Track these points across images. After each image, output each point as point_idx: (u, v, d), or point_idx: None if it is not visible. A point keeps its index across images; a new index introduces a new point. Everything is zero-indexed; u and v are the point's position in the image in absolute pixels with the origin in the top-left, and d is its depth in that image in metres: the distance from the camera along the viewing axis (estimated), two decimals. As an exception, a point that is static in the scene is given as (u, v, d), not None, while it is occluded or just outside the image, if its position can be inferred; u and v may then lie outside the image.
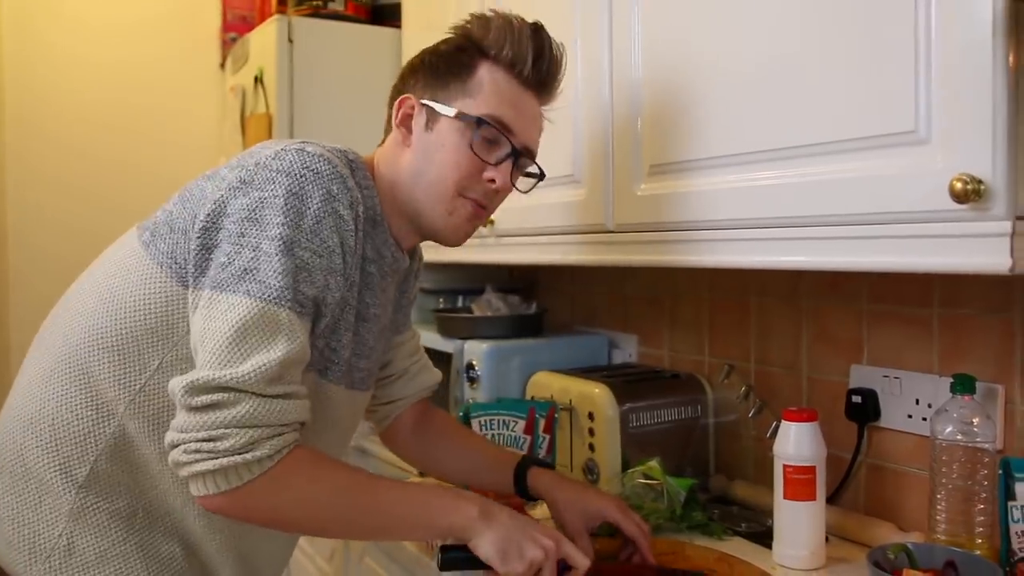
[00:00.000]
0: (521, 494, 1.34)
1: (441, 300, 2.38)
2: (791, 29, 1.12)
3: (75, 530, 1.06)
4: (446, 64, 1.19)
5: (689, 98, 1.28)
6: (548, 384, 1.78)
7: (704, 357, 1.83)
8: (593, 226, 1.50)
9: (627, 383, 1.71)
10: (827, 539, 1.33)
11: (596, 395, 1.65)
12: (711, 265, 1.26)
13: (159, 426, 1.05)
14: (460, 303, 2.35)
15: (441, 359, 1.98)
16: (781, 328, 1.65)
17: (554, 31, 1.22)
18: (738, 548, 1.38)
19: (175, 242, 1.06)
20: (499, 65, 1.18)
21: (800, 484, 1.29)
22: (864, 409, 1.46)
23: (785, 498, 1.30)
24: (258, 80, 2.50)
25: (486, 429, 1.64)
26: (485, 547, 1.05)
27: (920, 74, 0.95)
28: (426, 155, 1.18)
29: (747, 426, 1.71)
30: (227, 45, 3.11)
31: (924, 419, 1.37)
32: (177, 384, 0.95)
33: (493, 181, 1.19)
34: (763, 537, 1.42)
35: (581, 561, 1.09)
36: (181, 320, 1.05)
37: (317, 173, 1.04)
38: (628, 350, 2.06)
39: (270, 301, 0.98)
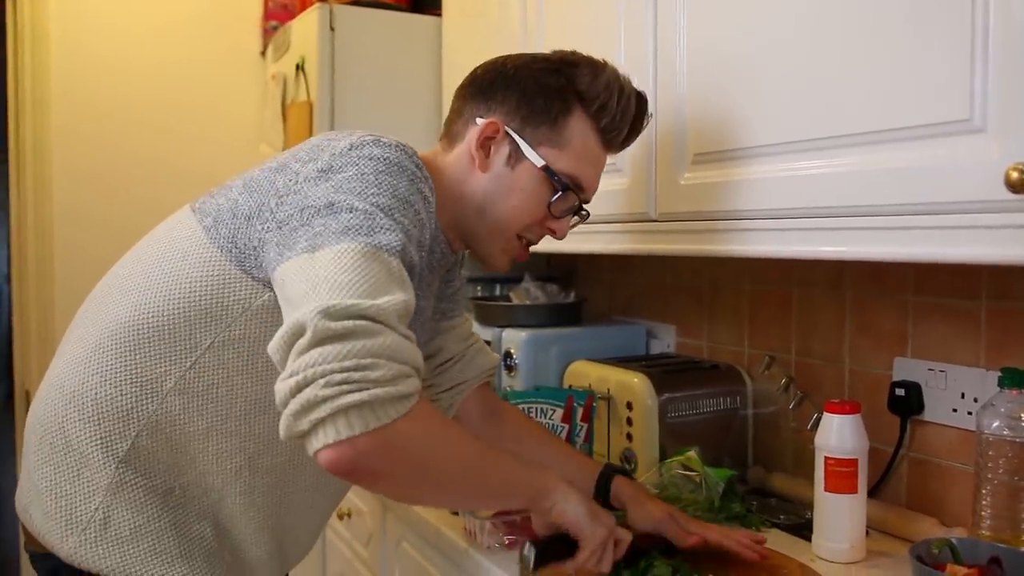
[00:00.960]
0: (601, 501, 1.33)
1: (479, 288, 2.38)
2: (840, 16, 1.10)
3: (112, 504, 1.06)
4: (543, 100, 1.17)
5: (735, 86, 1.27)
6: (586, 373, 1.78)
7: (744, 348, 1.82)
8: (636, 215, 1.49)
9: (666, 373, 1.70)
10: (867, 533, 1.32)
11: (635, 384, 1.64)
12: (755, 255, 1.25)
13: (206, 402, 1.06)
14: (498, 291, 2.35)
15: (479, 347, 1.98)
16: (824, 320, 1.63)
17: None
18: (776, 540, 1.37)
19: (237, 228, 1.05)
20: (593, 123, 1.19)
21: (841, 476, 1.28)
22: (908, 402, 1.44)
23: (826, 490, 1.29)
24: (299, 68, 2.51)
25: (524, 417, 1.64)
26: (574, 509, 1.10)
27: (976, 60, 0.93)
28: (499, 191, 1.18)
29: (787, 418, 1.70)
30: (268, 33, 3.12)
31: (969, 413, 1.36)
32: (306, 314, 0.86)
33: (555, 232, 1.23)
34: (802, 529, 1.41)
35: (624, 534, 1.15)
36: (235, 303, 1.05)
37: (398, 161, 1.03)
38: (666, 340, 2.05)
39: (380, 248, 0.93)
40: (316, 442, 0.85)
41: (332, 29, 2.38)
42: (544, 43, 1.73)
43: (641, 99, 1.23)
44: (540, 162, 1.16)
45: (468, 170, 1.19)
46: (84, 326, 1.14)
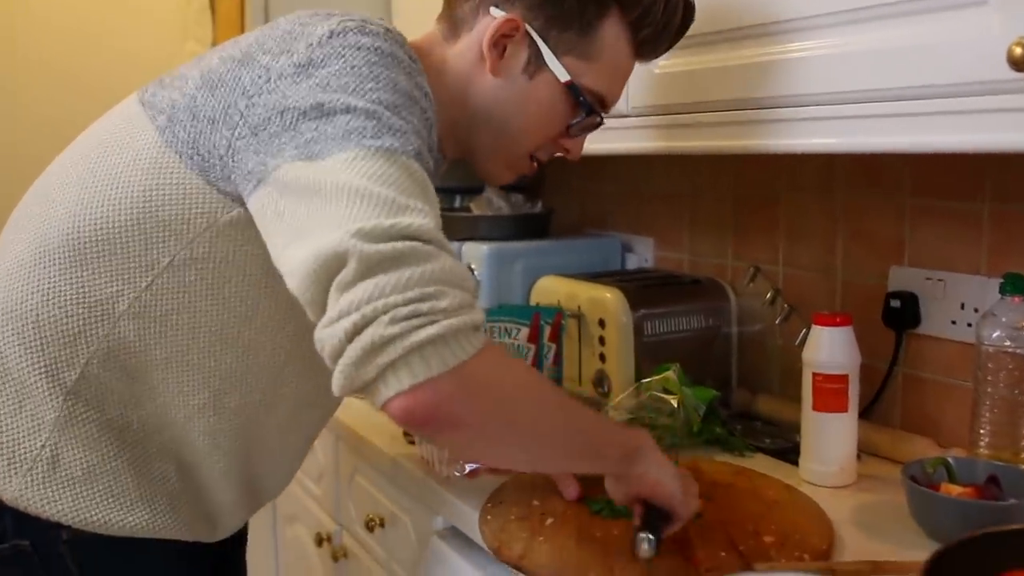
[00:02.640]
0: None
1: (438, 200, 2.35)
2: None
3: (60, 441, 1.01)
4: None
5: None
6: (554, 289, 1.78)
7: (727, 260, 1.83)
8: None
9: (642, 288, 1.70)
10: (858, 456, 1.34)
11: (608, 300, 1.64)
12: (736, 150, 1.25)
13: (165, 329, 1.00)
14: (457, 203, 2.32)
15: (437, 263, 1.98)
16: (813, 226, 1.63)
17: None
18: (761, 464, 1.40)
19: (198, 131, 0.98)
20: (629, 33, 1.12)
21: (831, 394, 1.29)
22: (903, 314, 1.45)
23: (814, 409, 1.31)
24: (229, -48, 2.44)
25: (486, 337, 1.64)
26: (669, 476, 1.04)
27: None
28: (512, 101, 1.12)
29: (773, 335, 1.71)
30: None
31: (969, 325, 1.37)
32: (342, 240, 0.78)
33: (568, 151, 1.18)
34: (789, 453, 1.43)
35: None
36: (197, 217, 0.98)
37: (393, 51, 0.95)
38: (644, 254, 2.06)
39: (395, 151, 0.86)
40: (387, 390, 0.78)
41: (265, -97, 2.31)
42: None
43: (688, 7, 1.17)
44: (565, 76, 1.10)
45: (475, 69, 1.11)
46: (15, 235, 1.07)
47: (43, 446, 1.01)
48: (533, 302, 1.83)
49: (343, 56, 0.93)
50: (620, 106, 1.42)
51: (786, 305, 1.66)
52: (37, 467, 1.01)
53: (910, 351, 1.47)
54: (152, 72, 1.18)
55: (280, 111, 0.91)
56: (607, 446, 1.02)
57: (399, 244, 0.78)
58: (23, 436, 1.01)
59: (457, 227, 2.05)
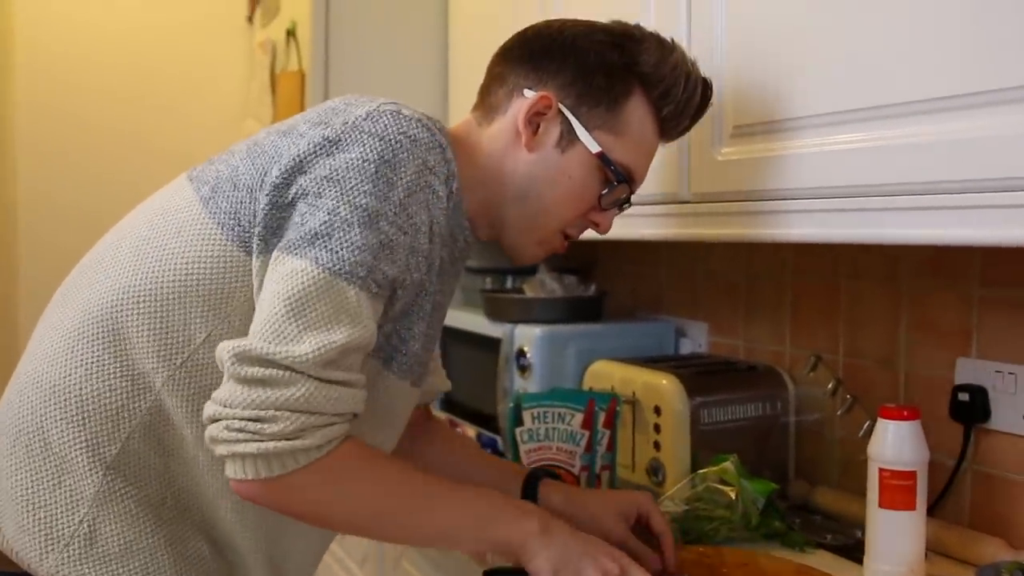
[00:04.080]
0: None
1: (488, 280, 2.36)
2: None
3: (99, 516, 1.02)
4: (604, 77, 1.14)
5: (779, 48, 1.25)
6: (609, 374, 1.76)
7: (785, 348, 1.80)
8: (666, 195, 1.47)
9: (698, 375, 1.68)
10: (926, 555, 1.30)
11: (663, 387, 1.62)
12: (800, 239, 1.23)
13: (197, 408, 1.02)
14: (509, 284, 2.33)
15: (488, 345, 1.97)
16: (876, 315, 1.60)
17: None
18: (823, 562, 1.35)
19: (239, 200, 1.04)
20: (653, 110, 1.18)
21: (899, 491, 1.25)
22: (972, 408, 1.41)
23: (881, 507, 1.27)
24: (290, 34, 2.49)
25: (539, 422, 1.62)
26: (538, 564, 1.04)
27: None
28: (546, 176, 1.15)
29: (834, 426, 1.67)
30: (255, -3, 3.12)
31: (1043, 421, 1.33)
32: (226, 349, 0.94)
33: (598, 225, 1.21)
34: (851, 551, 1.39)
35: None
36: (237, 289, 1.03)
37: (415, 140, 1.02)
38: (698, 339, 2.03)
39: (339, 274, 0.96)
40: (228, 472, 0.96)
41: (327, -10, 2.37)
42: (564, 7, 1.71)
43: (707, 87, 1.21)
44: (596, 148, 1.14)
45: (510, 148, 1.16)
46: (62, 311, 1.10)
47: (81, 521, 1.02)
48: (586, 386, 1.81)
49: (363, 144, 1.00)
50: (680, 192, 1.43)
51: (847, 396, 1.62)
52: (74, 543, 1.02)
53: (980, 447, 1.43)
54: (211, 145, 1.23)
55: (297, 173, 1.01)
56: (465, 535, 1.08)
57: (260, 370, 0.92)
58: (62, 511, 1.03)
59: (510, 309, 2.04)
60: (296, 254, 0.97)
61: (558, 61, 1.15)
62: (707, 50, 1.36)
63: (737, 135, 1.33)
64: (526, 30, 1.21)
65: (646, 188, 1.49)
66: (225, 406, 0.93)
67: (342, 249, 0.96)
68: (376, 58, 2.39)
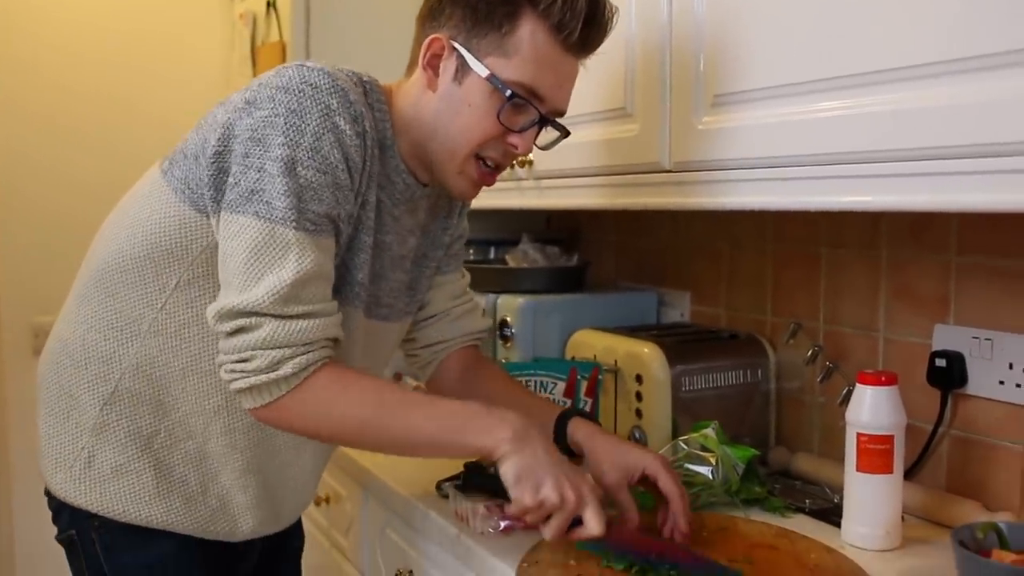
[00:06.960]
0: (560, 446, 1.34)
1: (471, 251, 2.36)
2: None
3: (96, 444, 1.24)
4: (487, 7, 1.19)
5: (758, 17, 1.25)
6: (591, 343, 1.77)
7: (766, 316, 1.81)
8: (647, 165, 1.47)
9: (679, 343, 1.69)
10: (903, 518, 1.31)
11: (645, 355, 1.63)
12: (780, 207, 1.23)
13: (180, 342, 1.22)
14: (492, 254, 2.33)
15: (471, 315, 1.97)
16: (855, 283, 1.62)
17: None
18: (801, 525, 1.37)
19: (188, 168, 1.20)
20: (544, 23, 1.19)
21: (876, 455, 1.27)
22: (949, 374, 1.43)
23: (858, 470, 1.28)
24: (271, 5, 2.48)
25: (522, 391, 1.62)
26: (505, 467, 1.12)
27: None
28: (450, 108, 1.23)
29: (813, 392, 1.69)
30: (235, -33, 3.09)
31: (1018, 385, 1.35)
32: (209, 313, 1.12)
33: (515, 146, 1.25)
34: (830, 514, 1.41)
35: (595, 527, 1.13)
36: (193, 242, 1.20)
37: (315, 87, 1.12)
38: (680, 308, 2.04)
39: (276, 221, 1.10)
40: (243, 404, 1.16)
41: (307, -40, 2.35)
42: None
43: None
44: (484, 72, 1.19)
45: (420, 93, 1.25)
46: (79, 277, 1.32)
47: (82, 448, 1.25)
48: (569, 356, 1.82)
49: (273, 100, 1.12)
50: (661, 161, 1.43)
51: (827, 363, 1.64)
52: (76, 465, 1.26)
53: (956, 412, 1.45)
54: (191, 118, 1.38)
55: (229, 139, 1.14)
56: (444, 442, 1.17)
57: (232, 323, 1.10)
58: (68, 439, 1.26)
59: (491, 279, 2.04)
60: (238, 211, 1.11)
61: (450, 6, 1.22)
62: (688, 19, 1.37)
63: (717, 104, 1.33)
64: None
65: (628, 158, 1.50)
66: (222, 353, 1.13)
67: (273, 199, 1.09)
68: (356, 29, 2.38)
